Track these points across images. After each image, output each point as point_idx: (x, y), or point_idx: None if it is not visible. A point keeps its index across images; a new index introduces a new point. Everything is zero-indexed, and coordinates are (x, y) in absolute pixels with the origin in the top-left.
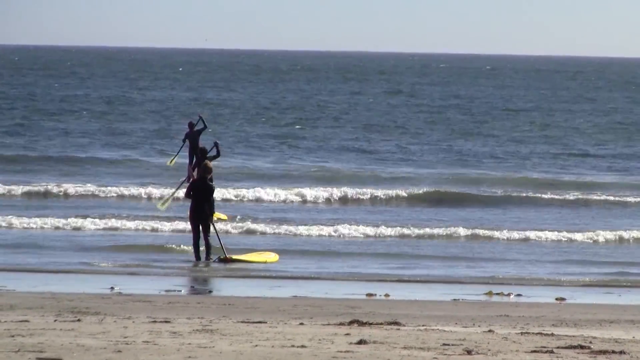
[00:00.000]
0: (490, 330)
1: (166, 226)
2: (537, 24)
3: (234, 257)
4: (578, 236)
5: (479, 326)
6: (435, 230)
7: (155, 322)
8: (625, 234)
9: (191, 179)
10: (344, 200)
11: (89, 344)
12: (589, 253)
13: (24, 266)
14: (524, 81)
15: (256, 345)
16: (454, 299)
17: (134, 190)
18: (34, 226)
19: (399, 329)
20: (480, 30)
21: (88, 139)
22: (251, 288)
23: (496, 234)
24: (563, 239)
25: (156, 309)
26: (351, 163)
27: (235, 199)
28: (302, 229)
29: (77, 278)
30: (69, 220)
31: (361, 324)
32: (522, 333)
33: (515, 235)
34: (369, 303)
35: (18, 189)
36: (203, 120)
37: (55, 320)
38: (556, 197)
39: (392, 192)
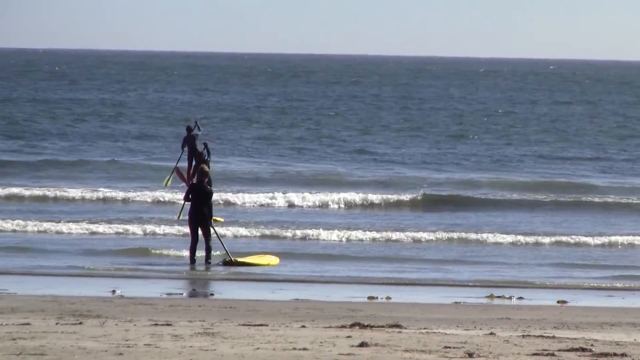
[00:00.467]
0: (491, 333)
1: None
2: (535, 27)
3: (239, 259)
4: (579, 239)
5: (480, 329)
6: (437, 234)
7: (156, 325)
8: (622, 238)
9: (190, 182)
10: (347, 204)
11: (90, 347)
12: (591, 256)
13: (25, 269)
14: (518, 83)
15: (257, 348)
16: (456, 302)
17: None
18: (31, 229)
19: (400, 332)
20: (475, 34)
21: (69, 142)
22: (252, 291)
23: (497, 237)
24: (565, 242)
25: (157, 311)
26: (351, 165)
27: (236, 202)
28: (303, 233)
29: (78, 281)
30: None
31: (363, 326)
32: (523, 336)
33: (515, 238)
34: (370, 306)
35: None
36: (198, 124)
37: (56, 323)
38: (556, 199)
39: (393, 197)
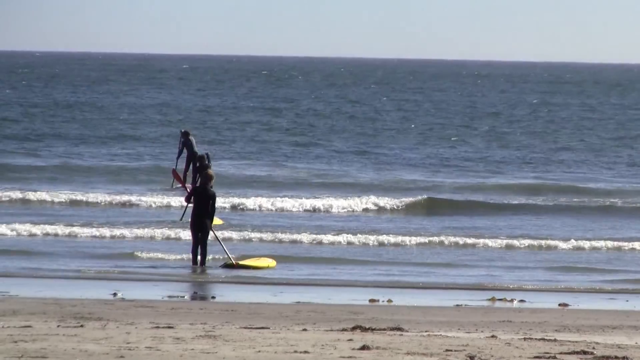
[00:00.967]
0: (493, 336)
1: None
2: (532, 30)
3: (240, 262)
4: (580, 243)
5: (482, 332)
6: (438, 238)
7: (158, 327)
8: (627, 243)
9: (192, 185)
10: (349, 207)
11: (91, 350)
12: (592, 260)
13: (26, 272)
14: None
15: (259, 351)
16: (457, 305)
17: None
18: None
19: (401, 335)
20: (468, 37)
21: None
22: (254, 294)
23: (498, 241)
24: (565, 246)
25: (159, 314)
26: (351, 168)
27: (236, 205)
28: (304, 236)
29: (79, 283)
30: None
31: (364, 329)
32: (525, 339)
33: (516, 242)
34: (371, 309)
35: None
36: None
37: (58, 326)
38: (555, 202)
39: (397, 201)
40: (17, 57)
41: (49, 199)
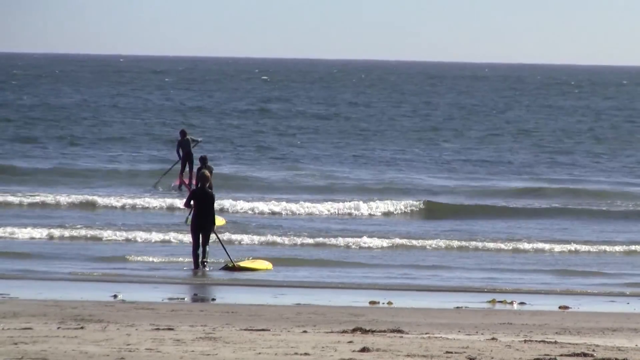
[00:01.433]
0: (493, 338)
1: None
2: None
3: (241, 264)
4: (580, 246)
5: (482, 334)
6: (439, 242)
7: (158, 329)
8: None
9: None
10: (349, 210)
11: (92, 352)
12: (591, 263)
13: (27, 273)
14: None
15: (259, 353)
16: (457, 307)
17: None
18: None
19: (402, 337)
20: (466, 38)
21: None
22: (254, 296)
23: (498, 244)
24: (566, 249)
25: (159, 316)
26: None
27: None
28: (307, 239)
29: (80, 286)
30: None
31: (364, 331)
32: (525, 341)
33: (517, 245)
34: (372, 311)
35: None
36: (196, 140)
37: (58, 328)
38: (556, 205)
39: (401, 204)
40: (16, 58)
41: (52, 202)
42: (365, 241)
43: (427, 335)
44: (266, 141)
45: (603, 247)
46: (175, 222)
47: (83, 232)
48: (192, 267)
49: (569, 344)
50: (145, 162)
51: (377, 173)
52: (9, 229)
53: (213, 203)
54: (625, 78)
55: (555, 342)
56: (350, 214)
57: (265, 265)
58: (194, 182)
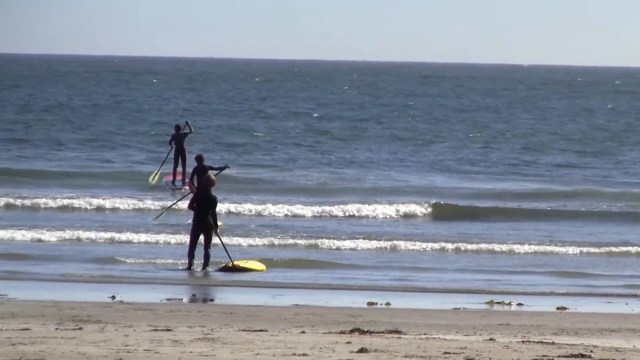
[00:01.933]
0: (491, 339)
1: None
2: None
3: (240, 264)
4: (579, 248)
5: (480, 335)
6: (438, 244)
7: (156, 330)
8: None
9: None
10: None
11: (90, 353)
12: (592, 264)
13: (25, 274)
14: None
15: (257, 354)
16: (455, 308)
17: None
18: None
19: (400, 338)
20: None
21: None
22: (252, 296)
23: (498, 246)
24: (565, 250)
25: (157, 317)
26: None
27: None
28: (305, 241)
29: (78, 286)
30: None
31: (362, 332)
32: (523, 342)
33: (517, 247)
34: (370, 312)
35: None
36: (189, 125)
37: (56, 329)
38: (558, 208)
39: (407, 207)
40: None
41: (41, 205)
42: (367, 243)
43: (425, 336)
44: (268, 143)
45: (601, 248)
46: (172, 223)
47: (81, 233)
48: (187, 267)
49: (567, 344)
50: (137, 162)
51: (383, 174)
52: (10, 231)
53: (215, 206)
54: (618, 78)
55: (553, 343)
56: (358, 215)
57: (260, 266)
58: (187, 179)
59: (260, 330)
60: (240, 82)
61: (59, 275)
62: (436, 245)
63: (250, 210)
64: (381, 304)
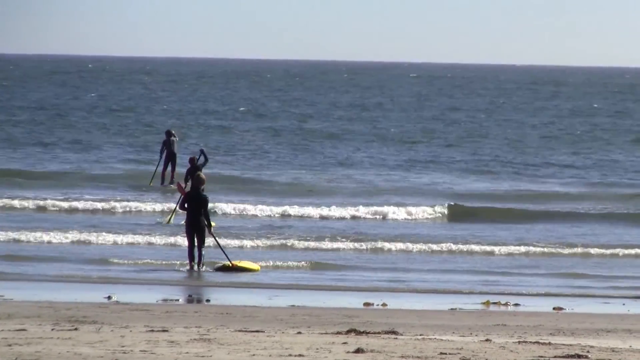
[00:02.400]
0: (487, 340)
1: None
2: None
3: (238, 264)
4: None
5: (476, 335)
6: (438, 246)
7: (152, 331)
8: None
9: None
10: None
11: (86, 353)
12: (586, 266)
13: (21, 275)
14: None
15: (254, 355)
16: (452, 309)
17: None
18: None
19: (396, 338)
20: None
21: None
22: (249, 297)
23: (497, 248)
24: (563, 252)
25: (154, 317)
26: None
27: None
28: (303, 243)
29: (74, 287)
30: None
31: (358, 333)
32: (519, 342)
33: (514, 249)
34: (366, 312)
35: None
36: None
37: (52, 329)
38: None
39: (416, 209)
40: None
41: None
42: (368, 245)
43: (422, 336)
44: (271, 142)
45: (599, 250)
46: (168, 224)
47: (77, 234)
48: (188, 267)
49: (563, 345)
50: (128, 162)
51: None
52: (6, 232)
53: (207, 205)
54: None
55: (550, 343)
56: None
57: (254, 266)
58: (173, 181)
59: (257, 331)
60: (232, 82)
61: (55, 276)
62: (434, 247)
63: (251, 211)
64: (377, 305)
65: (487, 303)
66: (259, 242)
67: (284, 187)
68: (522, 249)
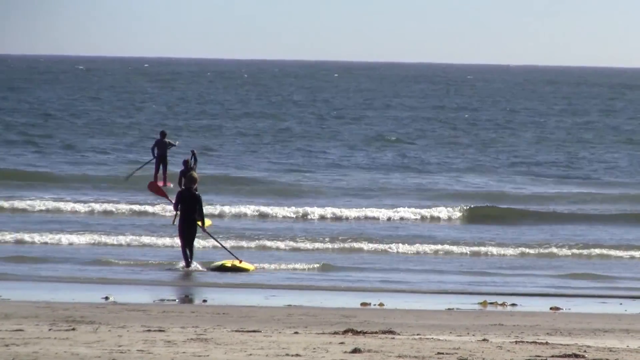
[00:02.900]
0: (484, 339)
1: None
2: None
3: (236, 264)
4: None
5: (473, 335)
6: (427, 246)
7: (149, 331)
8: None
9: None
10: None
11: (83, 353)
12: (584, 264)
13: (18, 275)
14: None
15: (250, 354)
16: (449, 309)
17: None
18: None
19: (393, 338)
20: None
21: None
22: (246, 297)
23: (495, 249)
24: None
25: (151, 318)
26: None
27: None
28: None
29: (71, 287)
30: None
31: (356, 333)
32: (516, 342)
33: (511, 250)
34: (363, 312)
35: None
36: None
37: (50, 330)
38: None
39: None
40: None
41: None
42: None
43: (419, 336)
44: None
45: (597, 250)
46: (164, 224)
47: (73, 235)
48: (184, 266)
49: (560, 344)
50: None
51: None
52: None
53: (200, 204)
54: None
55: (547, 343)
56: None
57: (250, 266)
58: (168, 184)
59: (254, 331)
60: (223, 83)
61: (53, 276)
62: (426, 249)
63: (271, 213)
64: (374, 305)
65: (484, 303)
66: (271, 244)
67: (286, 187)
68: (518, 249)
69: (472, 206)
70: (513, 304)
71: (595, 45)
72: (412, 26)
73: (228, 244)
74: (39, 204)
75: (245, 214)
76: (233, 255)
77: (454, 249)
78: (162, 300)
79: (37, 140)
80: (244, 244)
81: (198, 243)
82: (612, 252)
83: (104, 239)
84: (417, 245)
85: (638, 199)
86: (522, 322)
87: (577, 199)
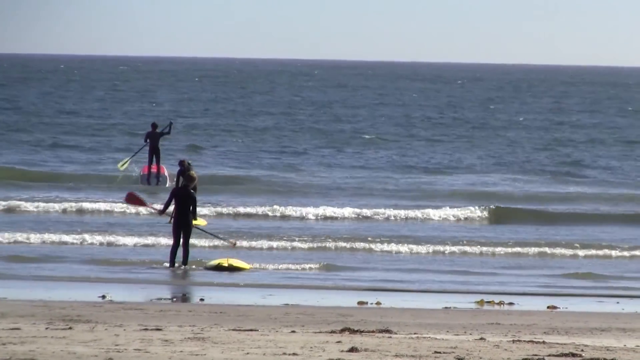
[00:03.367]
0: (481, 338)
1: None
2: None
3: (233, 263)
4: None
5: (470, 334)
6: (423, 247)
7: (146, 330)
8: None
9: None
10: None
11: (80, 352)
12: (582, 264)
13: (15, 274)
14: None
15: (247, 353)
16: (446, 307)
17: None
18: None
19: (390, 337)
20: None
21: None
22: (243, 296)
23: (493, 249)
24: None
25: (147, 316)
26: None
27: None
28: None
29: (68, 286)
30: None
31: (353, 331)
32: (513, 341)
33: (509, 250)
34: (360, 311)
35: None
36: (170, 126)
37: (46, 328)
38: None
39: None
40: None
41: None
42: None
43: (416, 335)
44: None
45: (594, 249)
46: (162, 223)
47: (72, 234)
48: (169, 265)
49: (557, 344)
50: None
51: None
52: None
53: (195, 203)
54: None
55: (544, 342)
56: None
57: (246, 265)
58: (162, 171)
59: (251, 330)
60: (216, 81)
61: (49, 275)
62: (422, 249)
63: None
64: (372, 304)
65: (481, 302)
66: (267, 243)
67: (281, 186)
68: (515, 248)
69: (469, 205)
70: (510, 303)
71: (595, 45)
72: (410, 26)
73: (222, 244)
74: (32, 205)
75: (241, 214)
76: (226, 240)
77: (451, 248)
78: (159, 299)
79: (25, 137)
80: (240, 243)
81: (194, 245)
82: (609, 252)
83: (101, 238)
84: (413, 244)
85: (638, 199)
86: (519, 321)
87: (574, 198)
